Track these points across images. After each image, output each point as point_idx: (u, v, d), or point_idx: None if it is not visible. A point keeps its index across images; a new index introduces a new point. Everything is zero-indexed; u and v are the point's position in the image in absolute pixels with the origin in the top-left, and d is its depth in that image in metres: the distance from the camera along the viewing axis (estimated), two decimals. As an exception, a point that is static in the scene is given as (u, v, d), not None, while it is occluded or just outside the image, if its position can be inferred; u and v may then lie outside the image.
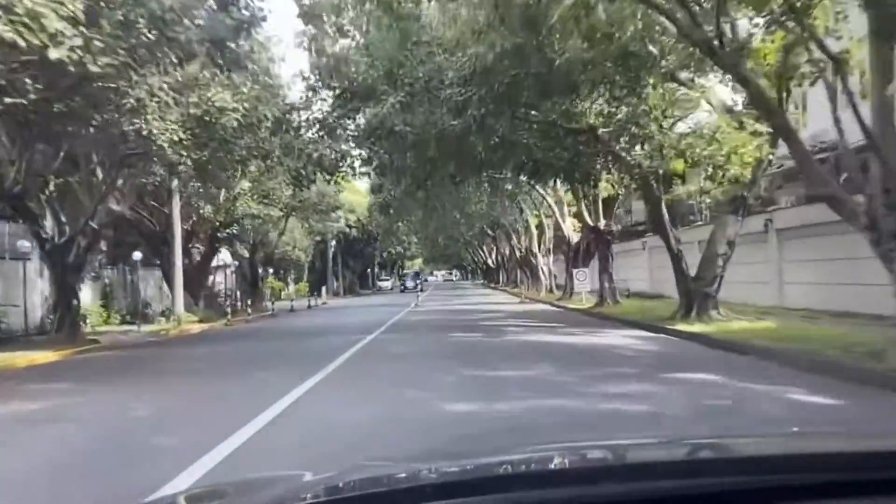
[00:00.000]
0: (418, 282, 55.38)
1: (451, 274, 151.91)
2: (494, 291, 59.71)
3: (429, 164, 18.48)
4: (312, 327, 22.17)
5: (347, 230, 58.52)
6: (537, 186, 33.81)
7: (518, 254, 49.58)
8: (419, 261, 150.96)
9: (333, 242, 57.41)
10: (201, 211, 25.18)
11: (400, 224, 47.47)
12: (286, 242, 54.59)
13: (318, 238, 57.25)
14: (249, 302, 34.21)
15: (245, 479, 2.26)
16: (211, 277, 30.81)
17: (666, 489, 1.37)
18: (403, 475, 1.70)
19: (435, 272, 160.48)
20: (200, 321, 25.03)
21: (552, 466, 1.66)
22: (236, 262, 38.30)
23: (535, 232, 42.74)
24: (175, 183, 23.42)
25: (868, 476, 1.41)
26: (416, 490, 1.45)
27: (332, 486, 1.60)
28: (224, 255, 37.34)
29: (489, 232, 66.49)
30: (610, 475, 1.53)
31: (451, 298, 45.24)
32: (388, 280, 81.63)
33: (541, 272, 42.38)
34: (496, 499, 1.35)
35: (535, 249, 42.67)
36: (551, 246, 43.31)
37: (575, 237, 34.26)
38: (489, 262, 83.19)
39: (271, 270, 51.92)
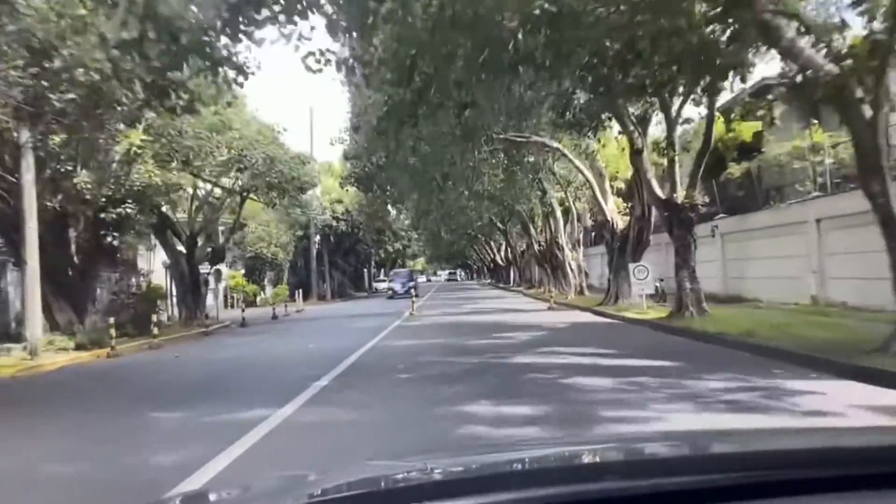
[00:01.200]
0: (411, 284, 43.34)
1: (455, 273, 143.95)
2: (506, 293, 51.09)
3: (419, 71, 9.85)
4: (223, 369, 13.31)
5: (334, 223, 49.91)
6: (565, 152, 25.25)
7: (537, 247, 40.93)
8: (421, 260, 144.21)
9: (318, 238, 48.79)
10: (75, 181, 16.48)
11: (391, 206, 36.88)
12: (261, 238, 46.17)
13: (300, 233, 48.70)
14: (181, 314, 25.67)
15: (247, 481, 2.24)
16: (114, 279, 22.11)
17: (660, 486, 1.37)
18: (405, 474, 1.67)
19: (439, 272, 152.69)
20: (78, 347, 16.46)
21: (555, 464, 1.70)
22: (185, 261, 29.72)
23: (560, 218, 34.12)
24: (26, 136, 14.98)
25: (858, 472, 1.42)
26: (419, 488, 1.45)
27: (336, 485, 1.58)
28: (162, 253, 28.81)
29: (499, 225, 58.03)
30: (611, 472, 1.51)
31: (456, 303, 36.60)
32: (384, 282, 72.96)
33: (569, 269, 33.74)
34: (502, 498, 1.33)
35: (562, 241, 34.02)
36: (581, 236, 34.65)
37: (620, 222, 25.64)
38: (498, 258, 74.57)
39: (229, 270, 43.40)
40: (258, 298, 46.27)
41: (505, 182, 30.26)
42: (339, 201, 50.46)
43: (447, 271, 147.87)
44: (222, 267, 31.67)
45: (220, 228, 30.50)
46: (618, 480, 1.41)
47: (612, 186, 26.62)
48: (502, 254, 74.37)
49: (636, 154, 20.06)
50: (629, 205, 28.67)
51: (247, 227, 45.72)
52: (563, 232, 34.00)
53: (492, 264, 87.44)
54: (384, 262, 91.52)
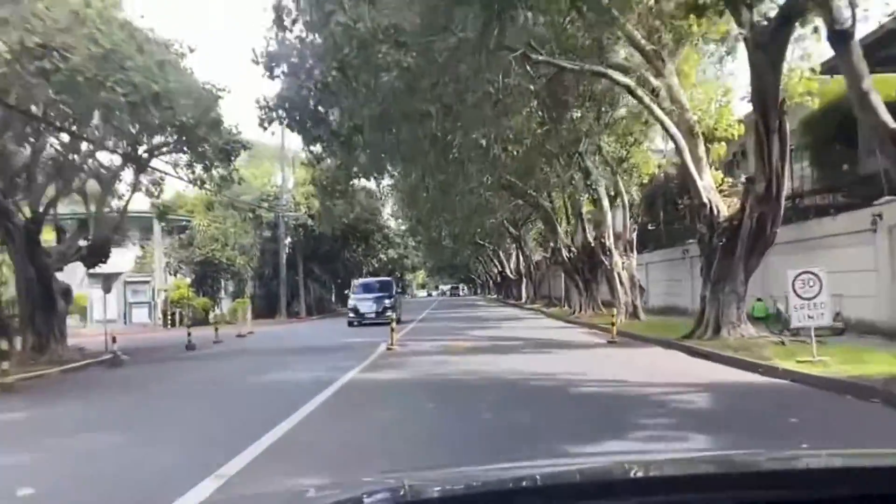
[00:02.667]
0: (388, 302, 28.36)
1: (457, 288, 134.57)
2: (521, 312, 41.43)
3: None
4: None
5: (310, 221, 40.34)
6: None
7: (566, 253, 31.34)
8: (422, 273, 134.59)
9: (289, 240, 39.22)
10: None
11: (362, 178, 25.81)
12: (214, 238, 36.66)
13: (267, 234, 39.16)
14: (25, 341, 16.11)
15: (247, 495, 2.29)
16: None
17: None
18: (414, 489, 1.65)
19: (440, 286, 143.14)
20: None
21: (570, 480, 1.68)
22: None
23: (608, 210, 24.54)
24: None
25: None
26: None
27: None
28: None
29: (511, 230, 48.49)
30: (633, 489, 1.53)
31: (459, 327, 26.87)
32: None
33: (617, 282, 24.13)
34: None
35: (609, 241, 24.43)
36: (634, 236, 25.00)
37: (722, 206, 16.20)
38: (508, 270, 64.97)
39: (173, 278, 33.90)
40: (211, 314, 36.75)
41: (536, 146, 20.72)
42: (315, 196, 40.96)
43: (449, 286, 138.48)
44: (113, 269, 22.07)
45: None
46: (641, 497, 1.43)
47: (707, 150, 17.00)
48: (512, 265, 64.83)
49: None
50: (733, 181, 19.30)
51: (192, 221, 36.37)
52: (610, 230, 24.41)
53: (499, 277, 77.81)
54: (379, 273, 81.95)
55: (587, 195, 27.17)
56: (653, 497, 1.42)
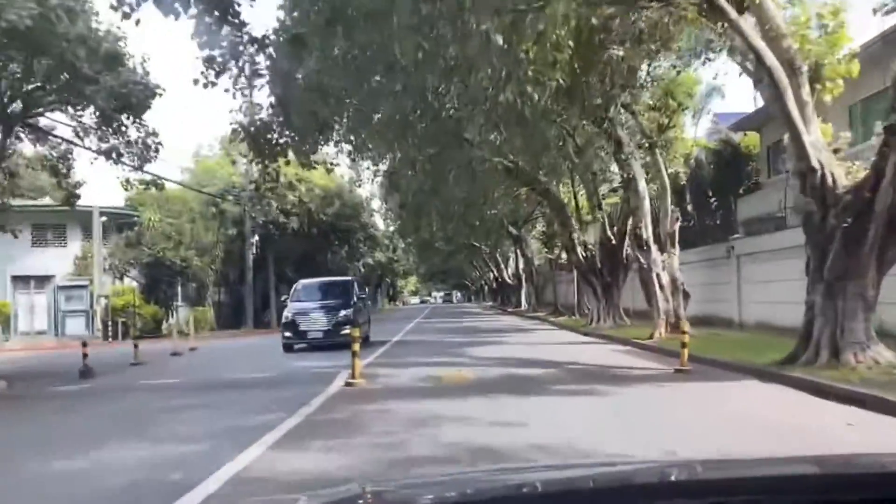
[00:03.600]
0: (345, 313, 19.04)
1: (450, 295, 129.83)
2: (525, 322, 36.19)
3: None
4: None
5: (282, 218, 35.04)
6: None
7: (583, 252, 26.16)
8: (414, 279, 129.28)
9: (256, 238, 33.87)
10: None
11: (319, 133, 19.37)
12: (166, 235, 31.32)
13: (231, 231, 33.88)
14: None
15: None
16: None
17: None
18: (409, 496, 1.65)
19: (434, 293, 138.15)
20: None
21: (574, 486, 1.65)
22: None
23: (645, 194, 19.27)
24: None
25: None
26: None
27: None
28: None
29: (511, 229, 43.30)
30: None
31: (457, 341, 21.51)
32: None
33: (656, 284, 18.91)
34: None
35: (647, 233, 19.17)
36: (676, 228, 19.66)
37: (838, 174, 11.07)
38: (506, 275, 59.76)
39: (114, 282, 28.72)
40: (165, 325, 31.42)
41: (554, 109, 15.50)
42: (292, 188, 35.67)
43: (442, 293, 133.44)
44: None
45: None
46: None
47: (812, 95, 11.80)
48: (510, 269, 59.65)
49: None
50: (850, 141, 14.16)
51: (140, 216, 31.06)
52: (649, 220, 19.17)
53: (495, 283, 72.59)
54: (367, 278, 76.44)
55: (611, 176, 22.08)
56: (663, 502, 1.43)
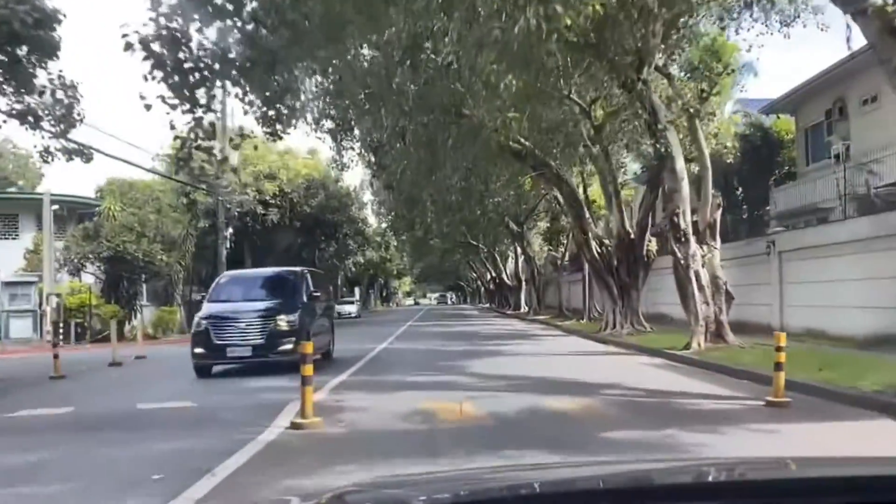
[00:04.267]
0: (287, 321, 13.16)
1: (444, 297, 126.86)
2: (526, 324, 32.99)
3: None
4: None
5: (260, 209, 31.74)
6: None
7: (597, 247, 22.92)
8: (407, 279, 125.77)
9: (230, 231, 30.52)
10: None
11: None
12: (127, 226, 27.97)
13: (204, 224, 30.60)
14: None
15: None
16: None
17: None
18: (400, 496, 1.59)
19: (428, 294, 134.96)
20: None
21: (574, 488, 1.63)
22: None
23: (683, 174, 15.90)
24: None
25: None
26: None
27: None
28: None
29: (513, 225, 40.07)
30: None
31: (453, 351, 18.18)
32: (352, 303, 54.36)
33: (694, 284, 15.58)
34: None
35: (685, 221, 15.77)
36: (718, 216, 16.32)
37: None
38: (504, 275, 56.52)
39: (68, 278, 25.55)
40: (128, 326, 28.08)
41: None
42: (272, 177, 32.35)
43: (437, 294, 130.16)
44: None
45: None
46: None
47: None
48: (509, 269, 56.39)
49: None
50: None
51: (100, 206, 27.83)
52: (688, 205, 15.82)
53: (492, 283, 69.36)
54: (359, 277, 72.99)
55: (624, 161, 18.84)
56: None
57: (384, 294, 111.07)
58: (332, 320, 17.10)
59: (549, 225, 37.55)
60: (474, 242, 51.87)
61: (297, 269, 16.13)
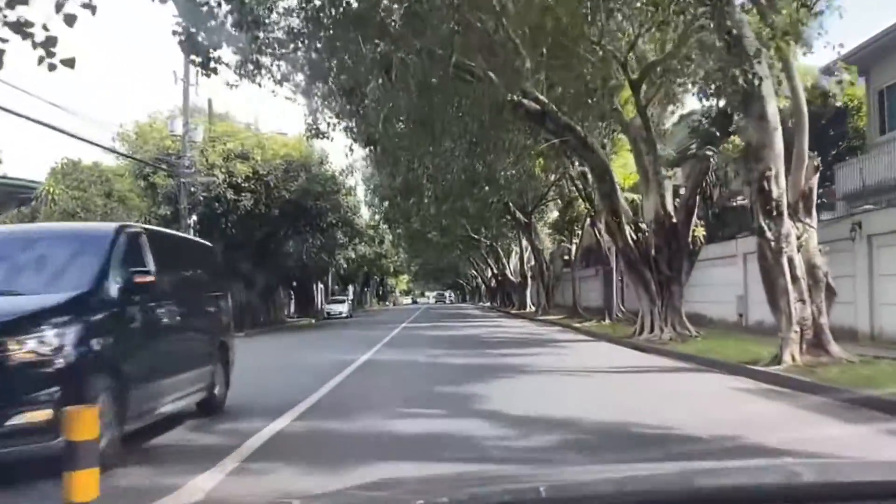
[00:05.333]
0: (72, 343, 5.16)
1: (443, 295, 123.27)
2: (537, 326, 28.76)
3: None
4: None
5: (231, 193, 27.49)
6: None
7: (632, 235, 18.64)
8: (405, 278, 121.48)
9: (194, 219, 26.17)
10: None
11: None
12: (69, 212, 23.63)
13: (165, 211, 26.45)
14: None
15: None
16: None
17: None
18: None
19: (427, 293, 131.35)
20: None
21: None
22: None
23: (776, 125, 11.64)
24: None
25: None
26: None
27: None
28: None
29: (520, 216, 35.91)
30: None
31: (454, 366, 13.92)
32: (342, 303, 49.87)
33: (787, 274, 11.29)
34: None
35: (781, 189, 11.47)
36: (814, 185, 12.10)
37: None
38: (508, 272, 52.27)
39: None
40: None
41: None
42: (244, 157, 28.04)
43: (436, 292, 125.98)
44: None
45: None
46: None
47: None
48: (513, 265, 52.13)
49: None
50: None
51: (38, 187, 23.65)
52: (781, 165, 11.53)
53: (494, 281, 65.10)
54: (353, 275, 68.45)
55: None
56: None
57: (381, 293, 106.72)
58: (226, 334, 9.13)
59: (560, 211, 33.28)
60: (475, 236, 47.71)
61: (113, 227, 7.20)
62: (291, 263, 37.38)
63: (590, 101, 17.55)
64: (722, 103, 16.42)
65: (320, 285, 54.69)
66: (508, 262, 52.85)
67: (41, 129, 19.22)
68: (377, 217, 46.90)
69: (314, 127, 17.64)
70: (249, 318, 31.59)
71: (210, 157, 26.94)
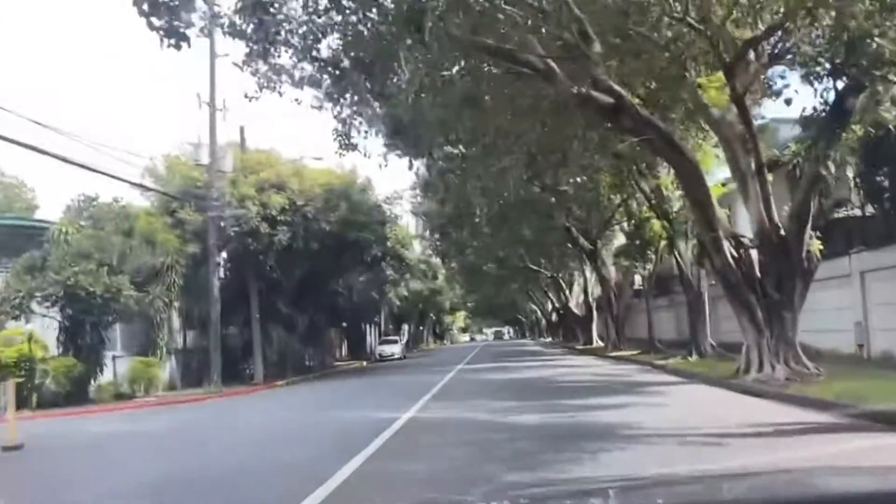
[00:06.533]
0: None
1: (501, 332, 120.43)
2: (614, 365, 25.23)
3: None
4: None
5: (265, 227, 25.00)
6: None
7: (732, 253, 15.27)
8: (462, 314, 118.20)
9: (224, 256, 23.68)
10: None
11: None
12: (83, 254, 21.39)
13: (193, 249, 24.04)
14: None
15: None
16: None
17: None
18: None
19: (484, 329, 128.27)
20: None
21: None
22: None
23: None
24: None
25: None
26: None
27: None
28: None
29: (584, 242, 32.73)
30: None
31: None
32: (395, 343, 46.88)
33: None
34: None
35: None
36: None
37: None
38: (572, 304, 48.68)
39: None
40: (93, 385, 21.55)
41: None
42: (280, 187, 25.59)
43: (494, 329, 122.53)
44: None
45: None
46: None
47: None
48: (575, 298, 48.57)
49: None
50: None
51: (50, 227, 21.56)
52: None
53: (555, 314, 61.51)
54: (407, 313, 65.37)
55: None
56: None
57: (437, 331, 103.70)
58: None
59: (629, 234, 29.87)
60: (534, 267, 44.50)
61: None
62: (338, 303, 34.74)
63: (669, 92, 14.45)
64: (840, 85, 13.22)
65: (373, 325, 51.99)
66: (571, 294, 49.34)
67: (76, 169, 17.26)
68: (427, 251, 44.24)
69: (343, 133, 14.93)
70: (291, 365, 28.87)
71: (241, 189, 24.55)
